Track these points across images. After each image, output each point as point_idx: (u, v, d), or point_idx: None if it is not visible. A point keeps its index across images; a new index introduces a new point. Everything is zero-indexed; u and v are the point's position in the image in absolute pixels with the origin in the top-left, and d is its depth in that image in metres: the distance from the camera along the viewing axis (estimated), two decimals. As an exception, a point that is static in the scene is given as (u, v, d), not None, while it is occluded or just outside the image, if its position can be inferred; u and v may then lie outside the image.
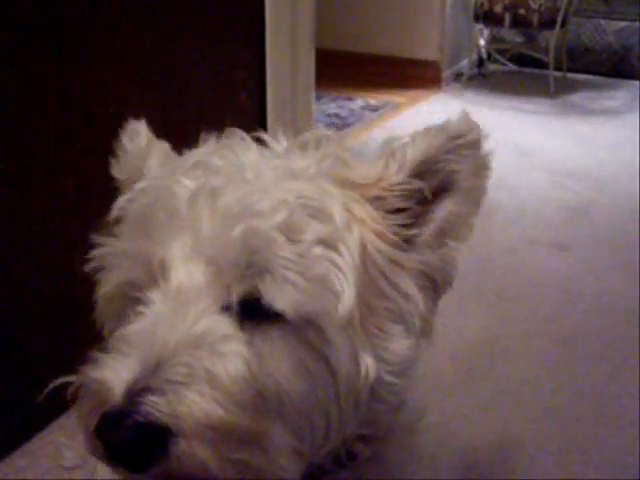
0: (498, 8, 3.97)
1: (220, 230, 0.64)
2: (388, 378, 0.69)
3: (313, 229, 0.65)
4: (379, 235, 0.69)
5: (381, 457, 0.76)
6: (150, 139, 0.82)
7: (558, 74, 4.14)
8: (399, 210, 0.71)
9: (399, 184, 0.70)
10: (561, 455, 1.48)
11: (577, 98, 4.07)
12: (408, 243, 0.71)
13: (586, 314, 1.99)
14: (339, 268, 0.65)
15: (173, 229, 0.66)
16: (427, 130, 0.70)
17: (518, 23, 3.99)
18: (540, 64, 4.23)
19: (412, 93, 4.06)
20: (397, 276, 0.69)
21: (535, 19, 3.91)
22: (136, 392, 0.58)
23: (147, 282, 0.67)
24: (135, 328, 0.64)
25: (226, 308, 0.64)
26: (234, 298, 0.64)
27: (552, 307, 2.03)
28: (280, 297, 0.63)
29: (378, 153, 0.72)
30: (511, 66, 4.54)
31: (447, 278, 0.73)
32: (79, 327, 1.52)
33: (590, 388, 1.69)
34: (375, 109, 3.79)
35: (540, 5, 3.88)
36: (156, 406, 0.58)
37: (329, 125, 3.51)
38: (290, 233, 0.64)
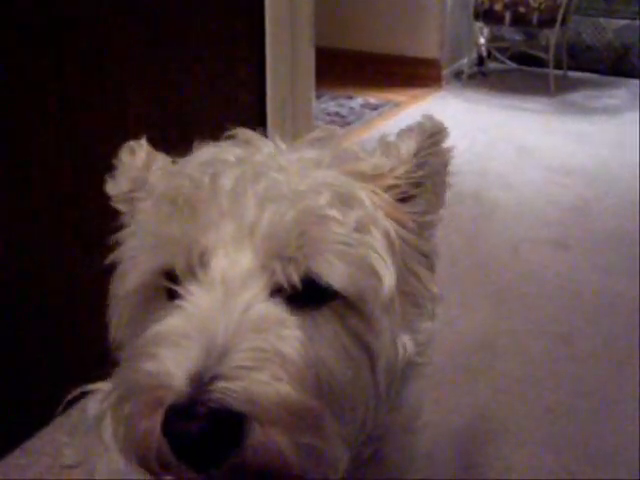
0: (498, 6, 3.97)
1: (269, 213, 0.64)
2: (416, 359, 0.72)
3: (350, 213, 0.67)
4: (397, 221, 0.73)
5: (380, 457, 0.76)
6: (150, 152, 0.80)
7: (558, 72, 4.14)
8: (408, 198, 0.75)
9: (408, 172, 0.75)
10: (561, 453, 1.48)
11: (577, 96, 4.07)
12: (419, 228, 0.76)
13: (586, 312, 2.00)
14: (376, 251, 0.68)
15: (214, 216, 0.65)
16: (410, 128, 0.77)
17: (518, 21, 4.00)
18: (540, 62, 4.24)
19: (412, 91, 4.06)
20: (412, 260, 0.73)
21: (535, 17, 3.91)
22: (205, 381, 0.56)
23: (185, 272, 0.65)
24: (183, 320, 0.61)
25: (275, 294, 0.64)
26: (284, 282, 0.63)
27: (552, 305, 2.03)
28: (335, 274, 0.64)
29: (377, 149, 0.77)
30: (511, 64, 4.54)
31: (434, 263, 0.78)
32: (79, 326, 1.53)
33: (590, 386, 1.69)
34: (375, 108, 3.79)
35: (540, 3, 3.88)
36: (229, 392, 0.55)
37: (329, 124, 3.51)
38: (336, 214, 0.66)
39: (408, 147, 0.75)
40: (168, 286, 0.67)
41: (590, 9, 4.41)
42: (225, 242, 0.64)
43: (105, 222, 0.79)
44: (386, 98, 3.95)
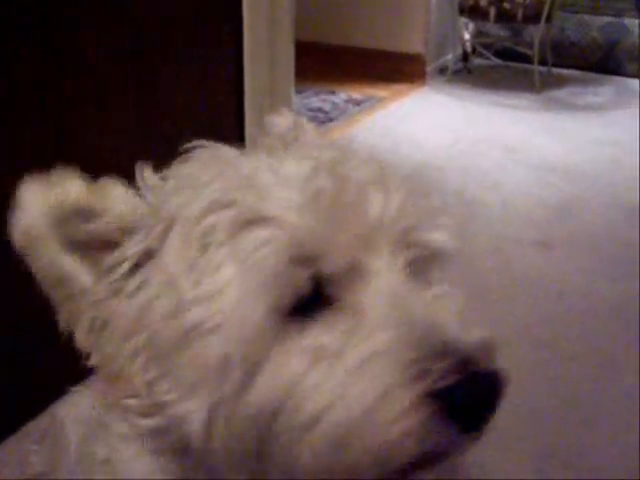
0: (483, 2, 3.95)
1: (391, 201, 0.66)
2: None
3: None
4: None
5: None
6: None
7: (543, 69, 4.12)
8: None
9: None
10: (544, 460, 1.45)
11: (562, 93, 4.06)
12: None
13: (570, 314, 1.97)
14: None
15: (349, 215, 0.63)
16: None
17: (503, 17, 3.98)
18: (525, 58, 4.22)
19: (396, 87, 4.03)
20: None
21: (520, 13, 3.89)
22: (480, 355, 0.60)
23: (336, 278, 0.62)
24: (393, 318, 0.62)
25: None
26: (414, 260, 0.69)
27: (536, 307, 2.01)
28: (451, 239, 0.74)
29: None
30: (496, 60, 4.52)
31: None
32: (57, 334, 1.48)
33: (574, 390, 1.67)
34: (358, 103, 3.75)
35: (525, -1, 3.87)
36: (497, 363, 0.61)
37: (312, 119, 3.47)
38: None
39: None
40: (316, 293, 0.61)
41: (575, 6, 4.40)
42: (367, 241, 0.64)
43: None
44: (370, 94, 3.91)
